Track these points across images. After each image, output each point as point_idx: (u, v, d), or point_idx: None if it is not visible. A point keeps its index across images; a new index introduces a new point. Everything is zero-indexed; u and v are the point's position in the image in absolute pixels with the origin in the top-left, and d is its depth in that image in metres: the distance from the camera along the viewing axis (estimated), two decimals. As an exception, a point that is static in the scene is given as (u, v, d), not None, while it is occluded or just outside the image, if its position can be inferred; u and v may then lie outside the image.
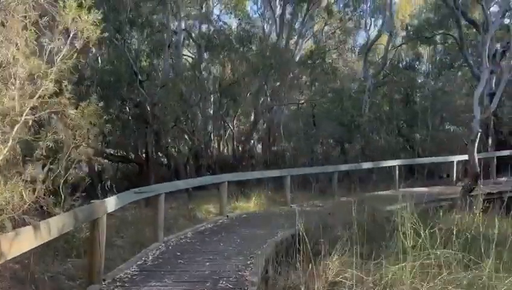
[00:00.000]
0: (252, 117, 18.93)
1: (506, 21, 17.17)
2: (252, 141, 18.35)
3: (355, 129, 17.09)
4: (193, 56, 20.36)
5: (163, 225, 7.54)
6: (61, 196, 5.39)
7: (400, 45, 21.79)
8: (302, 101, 19.36)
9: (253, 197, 13.57)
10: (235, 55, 16.95)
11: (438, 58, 23.87)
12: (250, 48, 16.12)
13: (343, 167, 12.44)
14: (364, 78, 19.55)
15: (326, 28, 22.60)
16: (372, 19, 23.48)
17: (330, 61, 19.29)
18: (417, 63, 23.23)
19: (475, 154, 10.82)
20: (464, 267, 4.17)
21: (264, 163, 17.44)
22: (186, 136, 17.90)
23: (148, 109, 14.27)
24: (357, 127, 17.05)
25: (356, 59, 24.73)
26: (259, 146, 19.40)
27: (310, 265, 4.60)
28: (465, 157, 14.44)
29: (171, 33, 15.01)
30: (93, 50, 13.00)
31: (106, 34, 6.04)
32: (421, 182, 14.78)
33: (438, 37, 21.63)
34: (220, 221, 8.80)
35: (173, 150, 17.16)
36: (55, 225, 4.00)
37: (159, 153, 16.54)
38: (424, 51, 24.07)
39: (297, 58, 18.26)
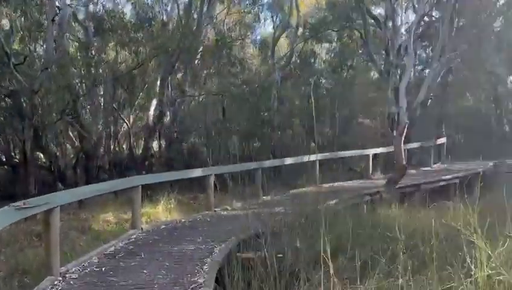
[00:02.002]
0: (151, 111, 16.84)
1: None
2: (154, 138, 16.26)
3: (266, 124, 16.15)
4: (77, 41, 17.57)
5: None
6: None
7: (305, 41, 21.50)
8: (206, 93, 17.79)
9: (160, 201, 11.86)
10: (132, 40, 14.80)
11: (332, 56, 24.32)
12: (151, 32, 14.09)
13: (267, 163, 11.27)
14: (271, 72, 18.77)
15: (227, 19, 21.50)
16: (276, 14, 23.02)
17: (236, 53, 18.08)
18: (312, 60, 23.32)
19: (402, 146, 10.44)
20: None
21: (169, 162, 15.58)
22: (72, 133, 15.29)
23: (26, 98, 11.54)
24: (268, 122, 16.14)
25: (257, 54, 24.07)
26: (161, 143, 17.36)
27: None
28: (381, 150, 14.41)
29: (55, 8, 12.32)
30: None
31: None
32: (332, 177, 14.31)
33: (334, 35, 21.97)
34: (134, 236, 6.88)
35: (58, 149, 14.42)
36: None
37: (39, 153, 13.71)
38: (322, 47, 24.31)
39: (201, 48, 16.62)
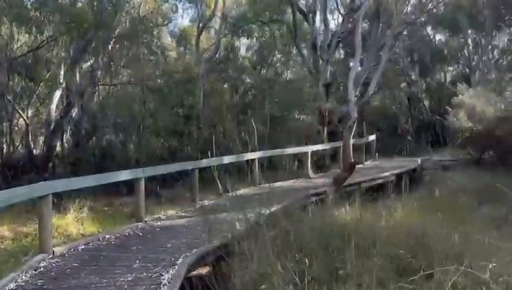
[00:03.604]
0: (55, 103, 14.42)
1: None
2: (59, 135, 13.87)
3: (192, 120, 14.61)
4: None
5: None
6: None
7: (227, 36, 20.30)
8: (122, 83, 15.69)
9: (70, 209, 9.85)
10: (33, 18, 12.38)
11: (251, 53, 23.58)
12: (59, 7, 11.82)
13: (205, 163, 9.76)
14: (195, 65, 17.25)
15: (142, 6, 19.58)
16: (199, 4, 21.52)
17: (157, 41, 16.22)
18: (231, 56, 22.31)
19: (350, 142, 9.66)
20: None
21: (77, 163, 13.34)
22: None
23: None
24: (194, 117, 14.62)
25: (175, 45, 22.41)
26: (67, 141, 14.97)
27: None
28: (320, 147, 13.74)
29: None
30: None
31: None
32: (269, 176, 13.28)
33: (255, 30, 21.22)
34: (44, 264, 5.03)
35: None
36: None
37: None
38: (242, 43, 23.47)
39: (118, 30, 14.54)
